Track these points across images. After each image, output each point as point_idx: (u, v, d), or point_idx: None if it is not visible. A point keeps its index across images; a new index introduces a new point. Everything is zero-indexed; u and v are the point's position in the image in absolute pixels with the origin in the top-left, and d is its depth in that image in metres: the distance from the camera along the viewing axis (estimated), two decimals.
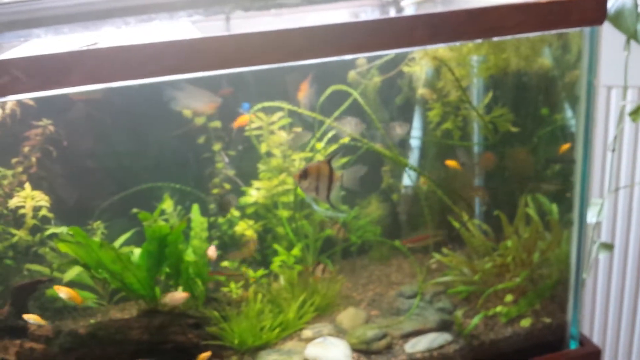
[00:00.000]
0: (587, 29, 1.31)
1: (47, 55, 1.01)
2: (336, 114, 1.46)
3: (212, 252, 1.39)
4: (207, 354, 1.30)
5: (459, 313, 1.44)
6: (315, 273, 1.50)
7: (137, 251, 1.37)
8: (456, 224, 1.52)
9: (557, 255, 1.46)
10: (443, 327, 1.44)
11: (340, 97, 1.47)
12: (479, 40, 1.36)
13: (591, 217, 1.66)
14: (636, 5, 1.51)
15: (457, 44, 1.44)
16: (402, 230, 1.68)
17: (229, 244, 1.57)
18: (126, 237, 1.47)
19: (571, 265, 1.43)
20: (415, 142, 1.64)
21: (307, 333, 1.44)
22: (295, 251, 1.55)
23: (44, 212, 1.42)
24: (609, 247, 1.71)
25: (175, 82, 1.35)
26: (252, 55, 1.12)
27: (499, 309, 1.45)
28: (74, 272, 1.38)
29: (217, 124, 1.54)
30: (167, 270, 1.36)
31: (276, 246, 1.56)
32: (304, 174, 1.22)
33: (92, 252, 1.25)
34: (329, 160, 1.23)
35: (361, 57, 1.56)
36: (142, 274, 1.30)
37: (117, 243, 1.47)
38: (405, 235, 1.66)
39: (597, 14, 1.26)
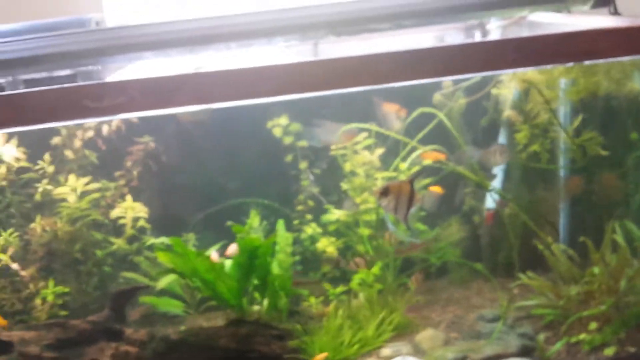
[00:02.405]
0: None
1: (159, 77, 1.09)
2: (420, 135, 1.49)
3: (214, 256, 1.43)
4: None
5: (541, 338, 1.42)
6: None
7: (227, 262, 1.43)
8: (541, 247, 1.51)
9: None
10: (524, 352, 1.42)
11: (426, 118, 1.50)
12: (570, 64, 1.36)
13: None
14: None
15: (548, 67, 1.44)
16: (483, 253, 1.68)
17: (310, 259, 1.61)
18: (216, 248, 1.54)
19: None
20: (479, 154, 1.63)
21: (386, 351, 1.45)
22: (375, 269, 1.57)
23: (142, 222, 1.51)
24: None
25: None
26: (344, 79, 1.17)
27: (582, 336, 1.42)
28: (167, 280, 1.45)
29: (303, 143, 1.60)
30: (255, 281, 1.41)
31: (356, 263, 1.58)
32: (384, 192, 1.24)
33: (189, 262, 1.32)
34: (411, 181, 1.25)
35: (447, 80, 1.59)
36: (232, 284, 1.36)
37: (207, 254, 1.54)
38: (487, 259, 1.65)
39: None
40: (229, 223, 1.44)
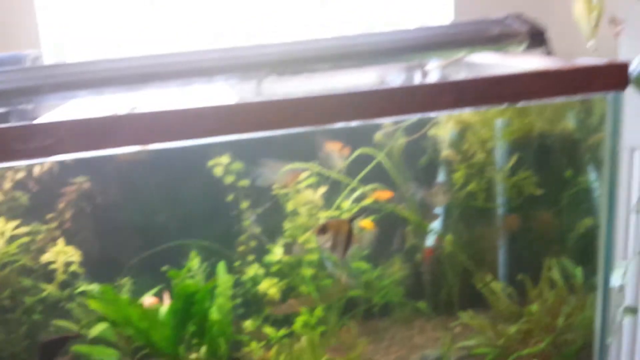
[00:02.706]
0: (610, 95, 1.34)
1: (90, 119, 1.06)
2: (361, 175, 1.49)
3: (150, 301, 1.39)
4: None
5: None
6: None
7: (162, 309, 1.38)
8: (479, 285, 1.52)
9: (582, 319, 1.44)
10: None
11: (369, 157, 1.51)
12: (504, 106, 1.39)
13: (615, 280, 1.65)
14: None
15: (482, 109, 1.48)
16: (425, 292, 1.68)
17: (252, 302, 1.57)
18: (152, 293, 1.49)
19: (596, 329, 1.41)
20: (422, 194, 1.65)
21: None
22: (318, 311, 1.55)
23: (74, 267, 1.45)
24: (633, 310, 1.68)
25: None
26: (285, 119, 1.16)
27: None
28: (100, 328, 1.39)
29: (245, 182, 1.57)
30: (193, 328, 1.36)
31: (298, 306, 1.56)
32: (323, 229, 1.23)
33: (121, 310, 1.26)
34: (350, 220, 1.24)
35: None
36: (167, 332, 1.31)
37: (141, 301, 1.48)
38: (429, 298, 1.65)
39: (619, 81, 1.29)
40: (164, 268, 1.39)
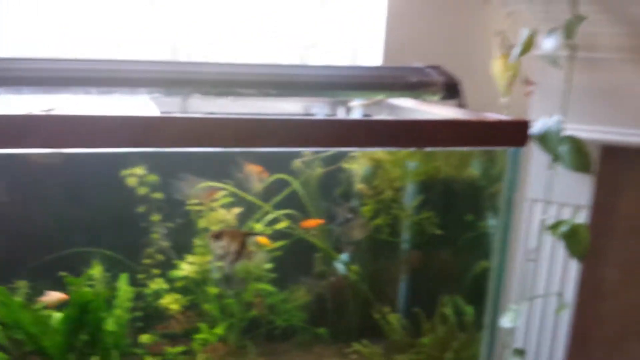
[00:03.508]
0: (511, 149, 1.44)
1: (3, 116, 1.04)
2: (276, 200, 1.53)
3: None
4: None
5: None
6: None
7: (57, 315, 1.35)
8: (377, 316, 1.58)
9: (469, 356, 1.52)
10: None
11: (287, 182, 1.55)
12: (413, 149, 1.47)
13: (506, 322, 1.75)
14: (560, 130, 1.68)
15: (393, 149, 1.56)
16: (327, 318, 1.72)
17: (153, 316, 1.56)
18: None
19: None
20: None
21: None
22: (219, 330, 1.55)
23: None
24: (520, 352, 1.78)
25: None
26: (203, 138, 1.19)
27: None
28: None
29: (159, 195, 1.57)
30: (86, 337, 1.34)
31: (200, 323, 1.56)
32: (218, 236, 1.25)
33: (13, 312, 1.23)
34: (246, 234, 1.27)
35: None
36: (59, 339, 1.28)
37: (39, 305, 1.44)
38: (331, 324, 1.70)
39: (520, 138, 1.40)
40: (63, 274, 1.37)
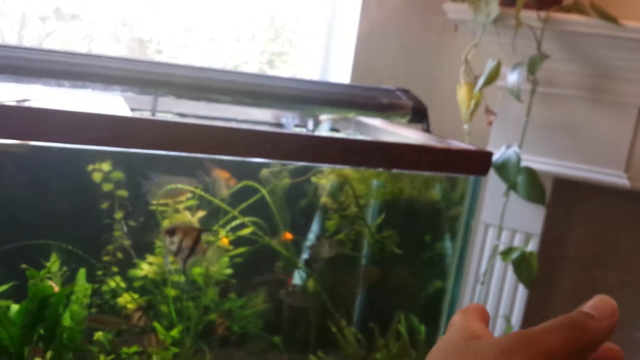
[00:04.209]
0: (472, 177, 1.50)
1: None
2: (243, 206, 1.54)
3: None
4: None
5: None
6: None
7: (14, 307, 1.33)
8: (333, 329, 1.61)
9: None
10: None
11: (252, 190, 1.57)
12: (379, 169, 1.52)
13: None
14: (519, 160, 1.75)
15: (361, 168, 1.61)
16: (283, 327, 1.74)
17: (108, 313, 1.55)
18: (1, 289, 1.42)
19: None
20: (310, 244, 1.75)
21: None
22: (174, 332, 1.56)
23: None
24: None
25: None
26: (175, 143, 1.20)
27: None
28: None
29: (124, 193, 1.57)
30: (41, 332, 1.33)
31: (156, 324, 1.56)
32: (171, 232, 1.27)
33: None
34: (200, 230, 1.29)
35: None
36: (15, 331, 1.26)
37: None
38: (286, 333, 1.72)
39: (482, 167, 1.47)
40: (24, 266, 1.35)
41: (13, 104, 1.13)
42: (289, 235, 1.61)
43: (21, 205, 1.49)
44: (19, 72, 1.28)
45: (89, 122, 1.16)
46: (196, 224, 1.63)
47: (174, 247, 1.25)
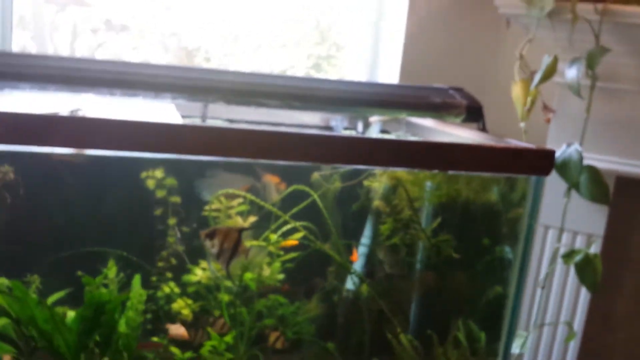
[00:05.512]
0: (533, 177, 1.44)
1: (30, 115, 1.05)
2: (293, 211, 1.52)
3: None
4: None
5: None
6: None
7: (71, 314, 1.35)
8: (389, 335, 1.57)
9: None
10: None
11: (302, 194, 1.55)
12: (435, 171, 1.47)
13: (515, 348, 1.74)
14: (581, 159, 1.67)
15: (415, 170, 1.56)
16: (337, 333, 1.71)
17: (163, 319, 1.56)
18: (58, 296, 1.44)
19: None
20: (364, 249, 1.71)
21: None
22: (228, 338, 1.55)
23: None
24: None
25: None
26: (226, 148, 1.19)
27: None
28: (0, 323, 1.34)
29: (176, 199, 1.57)
30: (98, 338, 1.34)
31: (210, 329, 1.56)
32: (211, 235, 1.24)
33: (27, 308, 1.23)
34: (240, 230, 1.26)
35: None
36: (72, 338, 1.28)
37: (49, 300, 1.44)
38: (340, 339, 1.69)
39: (544, 166, 1.40)
40: (80, 273, 1.37)
41: (67, 113, 1.14)
42: (355, 257, 1.58)
43: (77, 213, 1.51)
44: (72, 82, 1.30)
45: (141, 129, 1.16)
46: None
47: (215, 250, 1.22)
